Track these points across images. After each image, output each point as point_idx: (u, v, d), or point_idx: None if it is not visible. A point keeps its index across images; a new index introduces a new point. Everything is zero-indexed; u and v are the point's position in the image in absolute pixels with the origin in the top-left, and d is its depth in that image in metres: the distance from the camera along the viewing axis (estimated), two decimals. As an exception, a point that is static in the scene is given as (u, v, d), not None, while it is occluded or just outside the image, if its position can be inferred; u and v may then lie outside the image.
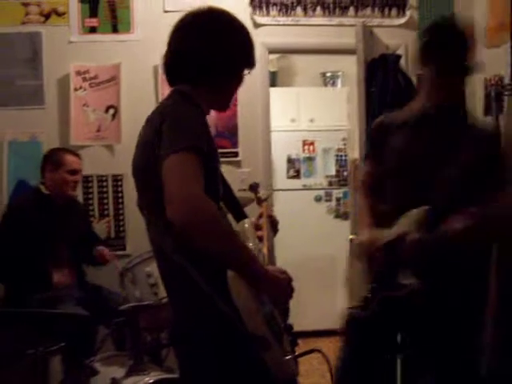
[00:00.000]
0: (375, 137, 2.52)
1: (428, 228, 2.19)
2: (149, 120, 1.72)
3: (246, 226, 1.84)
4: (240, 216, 1.93)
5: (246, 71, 1.81)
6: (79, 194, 3.92)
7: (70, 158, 3.54)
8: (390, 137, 2.38)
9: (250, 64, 1.81)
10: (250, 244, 1.77)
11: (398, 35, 4.34)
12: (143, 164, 1.69)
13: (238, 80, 1.81)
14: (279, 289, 1.65)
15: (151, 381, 2.51)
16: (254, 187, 2.35)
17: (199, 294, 1.63)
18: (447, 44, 2.27)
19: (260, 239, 1.98)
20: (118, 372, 2.63)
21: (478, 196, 2.18)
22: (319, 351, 2.54)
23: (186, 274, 1.63)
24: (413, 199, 2.25)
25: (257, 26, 4.16)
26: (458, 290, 2.26)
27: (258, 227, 2.03)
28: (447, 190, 2.23)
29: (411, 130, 2.35)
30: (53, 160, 3.53)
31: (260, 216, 2.12)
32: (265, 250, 1.96)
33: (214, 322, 1.64)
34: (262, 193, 2.27)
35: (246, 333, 1.58)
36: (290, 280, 1.69)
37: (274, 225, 2.18)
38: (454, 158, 2.25)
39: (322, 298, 5.04)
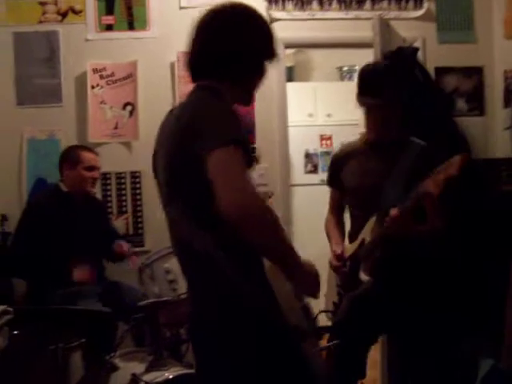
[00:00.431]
0: (333, 166, 2.88)
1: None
2: (178, 116, 1.70)
3: None
4: None
5: (267, 63, 1.81)
6: (97, 192, 3.95)
7: (86, 155, 3.56)
8: (346, 164, 2.76)
9: (272, 55, 1.81)
10: None
11: (415, 28, 4.30)
12: (178, 160, 1.67)
13: (261, 73, 1.82)
14: (311, 280, 1.69)
15: (171, 376, 2.51)
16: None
17: (235, 290, 1.63)
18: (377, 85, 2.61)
19: None
20: (138, 368, 2.64)
21: None
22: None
23: (217, 270, 1.63)
24: (366, 215, 2.62)
25: (272, 20, 4.14)
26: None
27: None
28: (389, 199, 2.51)
29: (361, 158, 2.72)
30: (70, 157, 3.55)
31: None
32: None
33: (252, 316, 1.63)
34: (264, 191, 2.34)
35: (286, 325, 1.59)
36: (317, 274, 1.71)
37: None
38: (394, 173, 2.57)
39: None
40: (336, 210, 2.91)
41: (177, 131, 1.68)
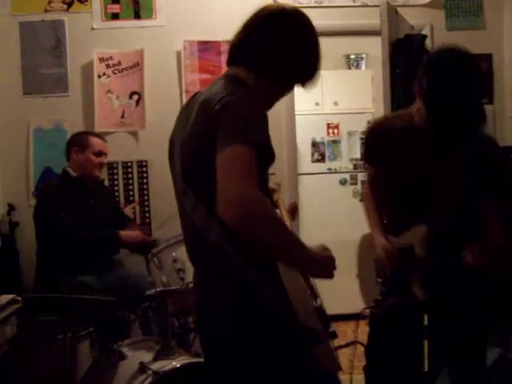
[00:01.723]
0: (372, 141, 2.46)
1: (429, 245, 2.20)
2: (203, 103, 1.65)
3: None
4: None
5: (301, 81, 1.81)
6: (104, 181, 3.95)
7: (95, 140, 3.57)
8: (386, 143, 2.34)
9: (310, 82, 1.81)
10: None
11: (423, 15, 4.27)
12: (197, 147, 1.64)
13: (290, 86, 1.82)
14: (326, 268, 1.67)
15: (179, 365, 2.52)
16: (276, 188, 2.33)
17: (248, 280, 1.62)
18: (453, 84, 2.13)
19: None
20: (145, 356, 2.64)
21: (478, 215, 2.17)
22: (360, 343, 2.51)
23: (230, 262, 1.62)
24: (410, 211, 2.28)
25: (279, 8, 4.12)
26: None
27: None
28: (446, 210, 2.20)
29: (408, 141, 2.28)
30: (79, 142, 3.55)
31: (274, 205, 2.11)
32: None
33: (264, 307, 1.62)
34: (273, 182, 2.27)
35: (297, 323, 1.58)
36: (332, 258, 1.69)
37: (294, 212, 2.20)
38: (452, 175, 2.21)
39: (348, 281, 5.02)
40: (375, 186, 2.50)
41: (200, 118, 1.64)
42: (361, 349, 2.51)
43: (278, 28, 1.74)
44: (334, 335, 1.74)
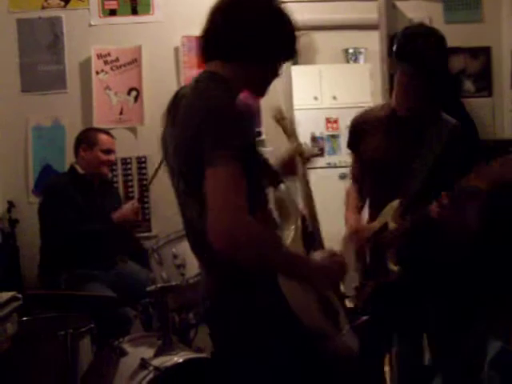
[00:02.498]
0: (353, 131, 2.65)
1: (402, 216, 2.37)
2: (188, 106, 1.64)
3: (282, 188, 1.84)
4: (275, 180, 1.90)
5: (283, 60, 1.79)
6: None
7: (104, 137, 3.55)
8: (366, 133, 2.54)
9: (290, 54, 1.79)
10: (292, 206, 1.78)
11: (421, 8, 4.25)
12: (186, 150, 1.62)
13: (274, 69, 1.79)
14: (333, 275, 1.67)
15: (180, 360, 2.52)
16: (279, 115, 2.25)
17: (248, 283, 1.61)
18: (422, 49, 2.30)
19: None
20: (146, 352, 2.64)
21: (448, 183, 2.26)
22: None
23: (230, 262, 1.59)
24: (387, 192, 2.43)
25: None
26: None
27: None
28: (417, 182, 2.36)
29: (385, 130, 2.49)
30: (87, 139, 3.54)
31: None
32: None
33: (265, 310, 1.62)
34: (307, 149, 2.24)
35: (299, 324, 1.58)
36: (341, 263, 1.69)
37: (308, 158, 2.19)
38: (423, 152, 2.38)
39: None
40: (357, 175, 2.68)
41: (187, 121, 1.63)
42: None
43: (238, 12, 1.70)
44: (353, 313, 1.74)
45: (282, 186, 1.86)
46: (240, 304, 1.65)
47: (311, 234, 1.86)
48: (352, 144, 2.67)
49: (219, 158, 1.49)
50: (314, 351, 1.63)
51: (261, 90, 1.80)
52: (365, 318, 1.93)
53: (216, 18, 1.72)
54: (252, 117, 1.63)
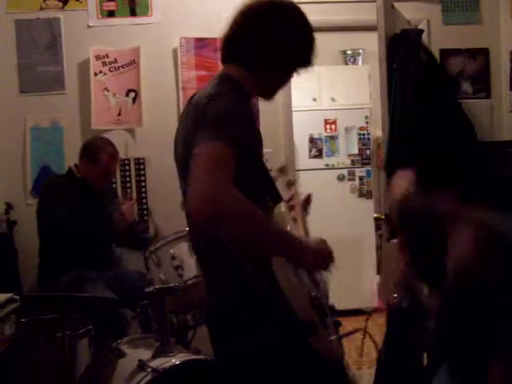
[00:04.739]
0: None
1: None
2: (195, 104, 1.67)
3: (283, 209, 1.84)
4: (276, 198, 1.91)
5: (298, 68, 1.81)
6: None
7: (105, 159, 3.53)
8: None
9: (306, 63, 1.82)
10: (288, 227, 1.77)
11: (419, 9, 4.25)
12: (185, 148, 1.65)
13: (288, 76, 1.82)
14: (319, 259, 1.68)
15: (178, 362, 2.52)
16: (283, 170, 2.31)
17: (242, 275, 1.62)
18: None
19: (294, 220, 1.98)
20: (144, 354, 2.64)
21: None
22: (364, 330, 2.51)
23: (231, 257, 1.61)
24: None
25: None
26: None
27: (290, 208, 2.03)
28: None
29: None
30: (89, 155, 3.55)
31: (291, 198, 2.11)
32: (301, 231, 1.95)
33: (259, 305, 1.63)
34: (290, 175, 2.26)
35: (293, 317, 1.58)
36: (329, 250, 1.71)
37: (307, 204, 2.19)
38: None
39: (347, 277, 5.02)
40: None
41: (191, 119, 1.66)
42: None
43: (263, 20, 1.73)
44: (338, 324, 1.74)
45: (282, 206, 1.86)
46: (240, 304, 1.66)
47: None
48: None
49: (211, 138, 1.49)
50: (312, 349, 1.63)
51: (271, 95, 1.84)
52: (353, 330, 1.91)
53: (238, 23, 1.75)
54: (252, 117, 1.65)
